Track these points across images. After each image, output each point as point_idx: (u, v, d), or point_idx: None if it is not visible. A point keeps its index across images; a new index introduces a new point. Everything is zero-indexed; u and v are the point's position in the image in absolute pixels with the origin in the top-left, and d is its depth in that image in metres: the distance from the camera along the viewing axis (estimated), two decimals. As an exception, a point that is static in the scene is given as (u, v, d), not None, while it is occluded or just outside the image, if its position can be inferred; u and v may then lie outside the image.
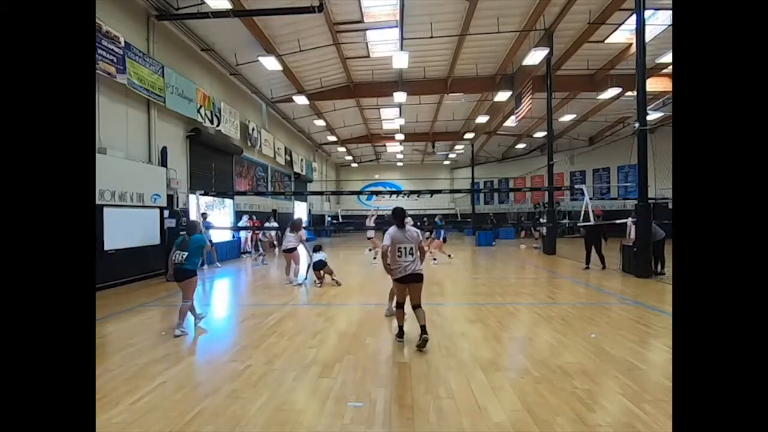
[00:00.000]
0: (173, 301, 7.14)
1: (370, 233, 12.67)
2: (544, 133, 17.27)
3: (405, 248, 4.27)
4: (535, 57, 12.38)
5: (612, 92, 15.46)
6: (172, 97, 10.67)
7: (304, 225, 10.57)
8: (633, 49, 11.88)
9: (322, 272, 8.37)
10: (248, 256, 14.80)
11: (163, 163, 10.50)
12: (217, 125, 13.43)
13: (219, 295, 8.12)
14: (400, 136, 24.83)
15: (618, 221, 10.64)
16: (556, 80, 14.86)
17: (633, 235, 9.30)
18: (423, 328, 4.28)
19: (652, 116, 13.78)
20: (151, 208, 9.60)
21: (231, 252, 13.83)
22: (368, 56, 14.88)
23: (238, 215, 15.48)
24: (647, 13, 9.70)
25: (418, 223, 12.67)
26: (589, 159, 25.30)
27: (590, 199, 12.05)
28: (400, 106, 19.83)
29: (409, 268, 4.26)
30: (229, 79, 14.75)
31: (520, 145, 29.11)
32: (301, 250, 8.78)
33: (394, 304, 4.84)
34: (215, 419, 2.83)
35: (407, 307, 4.55)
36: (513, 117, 17.22)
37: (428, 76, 16.68)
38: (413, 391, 3.24)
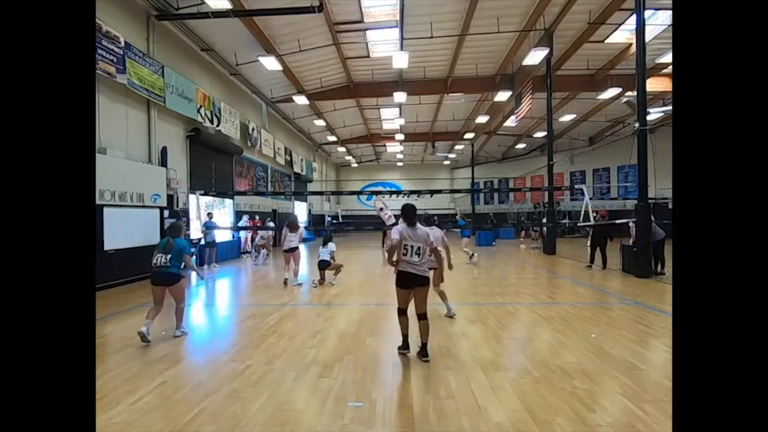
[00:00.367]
0: (173, 300, 7.13)
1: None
2: (544, 133, 17.27)
3: (412, 246, 3.90)
4: (535, 57, 12.38)
5: (612, 92, 15.47)
6: (172, 97, 10.67)
7: (303, 225, 10.59)
8: (633, 49, 11.87)
9: (325, 273, 8.35)
10: (248, 256, 14.81)
11: (163, 163, 10.50)
12: (217, 125, 13.43)
13: (219, 295, 8.12)
14: (400, 136, 24.84)
15: (618, 221, 10.65)
16: (556, 80, 14.86)
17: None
18: (424, 348, 3.94)
19: (651, 117, 13.78)
20: (151, 208, 9.60)
21: (231, 252, 13.85)
22: (368, 56, 14.89)
23: (238, 215, 15.49)
24: (647, 13, 9.70)
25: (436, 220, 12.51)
26: (589, 159, 25.30)
27: (590, 199, 12.07)
28: (400, 106, 19.84)
29: (414, 269, 3.90)
30: (229, 79, 14.75)
31: (520, 145, 29.12)
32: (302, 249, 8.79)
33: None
34: (215, 419, 2.83)
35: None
36: (513, 117, 17.23)
37: (428, 76, 16.69)
38: (413, 391, 3.24)
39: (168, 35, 10.95)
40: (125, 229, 8.70)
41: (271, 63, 12.46)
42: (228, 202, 15.16)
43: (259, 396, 3.19)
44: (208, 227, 11.64)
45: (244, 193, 15.37)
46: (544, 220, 16.03)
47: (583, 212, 11.73)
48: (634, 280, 8.51)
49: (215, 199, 14.02)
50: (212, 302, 7.49)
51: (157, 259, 4.75)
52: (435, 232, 5.29)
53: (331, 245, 8.58)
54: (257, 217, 17.02)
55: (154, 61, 9.94)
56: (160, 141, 10.53)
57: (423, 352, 3.94)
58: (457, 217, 14.02)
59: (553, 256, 13.75)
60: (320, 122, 21.87)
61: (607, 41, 13.69)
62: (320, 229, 27.41)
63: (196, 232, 11.93)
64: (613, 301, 6.64)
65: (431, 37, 12.82)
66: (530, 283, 8.57)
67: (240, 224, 14.99)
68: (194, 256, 11.48)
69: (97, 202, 7.86)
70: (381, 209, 13.11)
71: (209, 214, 12.26)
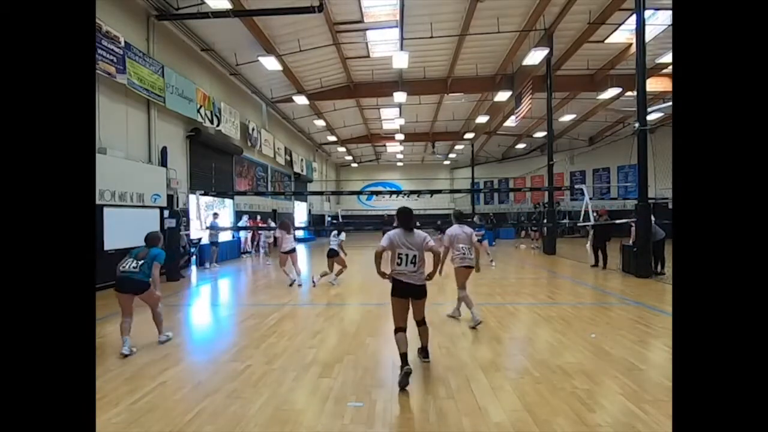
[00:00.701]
0: (173, 301, 7.15)
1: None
2: (544, 133, 17.27)
3: (406, 255, 3.53)
4: (535, 57, 12.38)
5: (612, 92, 15.47)
6: (172, 97, 10.67)
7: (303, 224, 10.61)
8: (633, 49, 11.88)
9: (333, 263, 8.35)
10: (248, 256, 14.81)
11: (163, 163, 10.50)
12: (217, 125, 13.43)
13: (219, 295, 8.12)
14: (400, 136, 24.84)
15: (618, 221, 10.66)
16: (556, 80, 14.86)
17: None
18: (425, 351, 3.82)
19: (651, 117, 13.75)
20: (151, 208, 9.60)
21: (231, 252, 13.85)
22: (368, 56, 14.88)
23: (238, 215, 15.50)
24: (647, 13, 9.70)
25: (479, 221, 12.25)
26: (589, 159, 25.31)
27: (590, 199, 12.06)
28: (400, 106, 19.83)
29: (410, 278, 3.54)
30: (229, 79, 14.75)
31: (520, 145, 29.11)
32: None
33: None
34: (215, 419, 2.83)
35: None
36: (513, 117, 17.22)
37: (428, 76, 16.68)
38: (413, 391, 3.24)
39: (168, 35, 10.95)
40: (125, 229, 8.69)
41: (271, 63, 12.46)
42: (228, 202, 15.16)
43: (259, 396, 3.19)
44: (214, 228, 11.77)
45: (244, 193, 15.38)
46: (545, 220, 16.03)
47: (583, 212, 11.73)
48: (634, 280, 8.51)
49: (215, 199, 14.05)
50: (212, 302, 7.49)
51: (125, 264, 4.35)
52: (466, 230, 5.29)
53: (342, 235, 8.63)
54: (258, 217, 17.04)
55: (154, 61, 9.94)
56: (160, 141, 10.52)
57: (423, 353, 3.85)
58: (474, 219, 13.66)
59: (553, 256, 13.74)
60: (320, 122, 21.87)
61: (607, 41, 13.69)
62: (320, 229, 27.43)
63: (196, 232, 11.98)
64: (613, 301, 6.64)
65: (431, 37, 12.82)
66: (530, 283, 8.57)
67: (240, 224, 15.01)
68: (194, 256, 11.62)
69: (97, 202, 7.86)
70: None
71: (215, 215, 12.52)
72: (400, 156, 33.26)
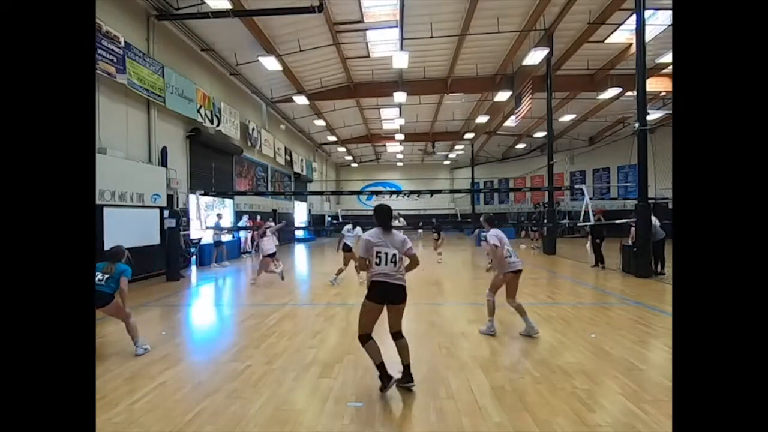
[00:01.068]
0: (173, 301, 7.15)
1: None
2: (544, 133, 17.27)
3: (386, 254, 3.25)
4: (535, 57, 12.38)
5: (612, 92, 15.47)
6: (172, 97, 10.66)
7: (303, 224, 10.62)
8: (633, 49, 11.88)
9: (348, 258, 8.31)
10: (248, 256, 14.81)
11: (163, 163, 10.50)
12: (217, 125, 13.43)
13: (219, 295, 8.11)
14: (400, 136, 24.83)
15: (618, 221, 10.68)
16: (556, 80, 14.86)
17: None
18: (407, 370, 3.27)
19: (651, 117, 13.75)
20: (151, 208, 9.60)
21: (231, 252, 13.86)
22: (368, 56, 14.88)
23: (238, 215, 15.51)
24: (647, 13, 9.70)
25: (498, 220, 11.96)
26: (589, 159, 25.30)
27: (590, 199, 12.06)
28: (400, 106, 19.84)
29: (390, 278, 3.24)
30: (229, 79, 14.75)
31: (520, 145, 29.12)
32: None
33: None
34: (215, 419, 2.83)
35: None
36: (513, 117, 17.23)
37: (428, 76, 16.68)
38: (413, 391, 3.24)
39: (168, 35, 10.94)
40: (125, 229, 8.69)
41: (271, 63, 12.46)
42: (228, 202, 15.16)
43: (259, 396, 3.19)
44: (218, 228, 11.86)
45: (244, 193, 15.38)
46: (545, 220, 16.04)
47: (583, 212, 11.73)
48: (634, 280, 8.51)
49: (215, 199, 14.06)
50: (212, 302, 7.49)
51: None
52: (495, 232, 4.96)
53: (358, 229, 8.55)
54: (258, 217, 17.06)
55: (154, 61, 9.94)
56: (160, 141, 10.52)
57: (407, 377, 3.26)
58: (482, 218, 13.31)
59: (553, 256, 13.74)
60: (320, 122, 21.88)
61: (607, 41, 13.69)
62: (320, 229, 27.44)
63: (196, 231, 12.00)
64: (613, 301, 6.64)
65: (431, 37, 12.81)
66: (530, 283, 8.56)
67: (240, 224, 15.04)
68: (194, 256, 11.63)
69: (97, 202, 7.86)
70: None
71: (219, 215, 12.72)
72: (400, 156, 33.26)
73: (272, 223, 11.12)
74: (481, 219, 5.40)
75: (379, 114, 22.57)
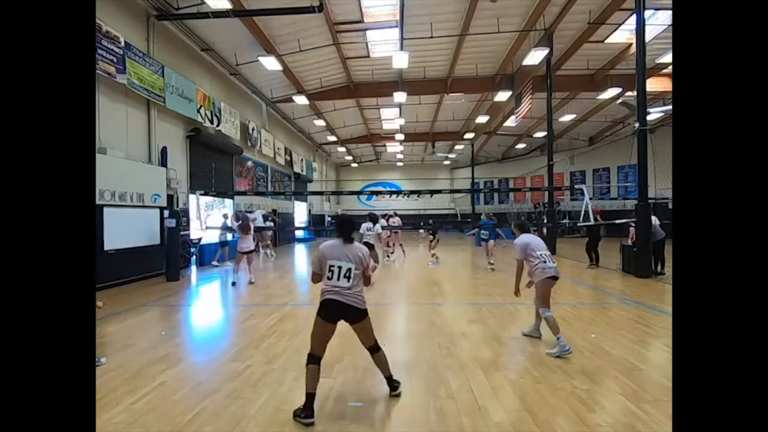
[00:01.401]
0: (173, 301, 7.15)
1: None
2: (544, 133, 17.27)
3: (339, 267, 2.95)
4: (535, 57, 12.37)
5: (612, 92, 15.47)
6: (172, 97, 10.66)
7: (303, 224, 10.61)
8: (633, 49, 11.88)
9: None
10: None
11: (163, 163, 10.50)
12: (217, 125, 13.43)
13: (219, 295, 8.11)
14: (400, 136, 24.83)
15: (618, 221, 10.68)
16: (556, 80, 14.86)
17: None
18: (390, 381, 3.15)
19: (651, 117, 13.77)
20: (151, 208, 9.60)
21: (231, 252, 13.88)
22: (368, 56, 14.88)
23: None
24: (647, 13, 9.70)
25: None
26: (589, 159, 25.29)
27: (590, 199, 12.07)
28: (400, 106, 19.83)
29: (341, 296, 2.92)
30: (229, 79, 14.74)
31: (520, 145, 29.11)
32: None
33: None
34: (215, 419, 2.83)
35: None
36: (513, 117, 17.22)
37: (428, 76, 16.67)
38: (413, 391, 3.24)
39: (168, 35, 10.94)
40: (125, 229, 8.70)
41: (271, 63, 12.46)
42: (228, 202, 15.16)
43: (259, 396, 3.19)
44: (225, 228, 12.14)
45: (244, 193, 15.37)
46: (545, 220, 16.05)
47: (583, 212, 11.74)
48: (634, 280, 8.51)
49: (215, 199, 14.07)
50: (211, 302, 7.49)
51: None
52: (520, 241, 4.54)
53: (378, 227, 8.00)
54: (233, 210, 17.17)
55: (154, 61, 9.94)
56: (160, 141, 10.52)
57: (392, 385, 3.16)
58: (482, 216, 13.27)
59: (553, 256, 13.73)
60: (320, 122, 21.87)
61: (607, 41, 13.68)
62: (320, 229, 27.42)
63: (196, 231, 12.01)
64: (613, 301, 6.64)
65: (431, 37, 12.81)
66: (530, 283, 8.57)
67: (227, 224, 15.19)
68: (194, 256, 11.64)
69: (97, 202, 7.85)
70: (388, 217, 13.21)
71: (225, 215, 12.91)
72: (400, 156, 33.26)
73: (258, 215, 11.09)
74: (512, 226, 4.99)
75: (379, 114, 22.57)
